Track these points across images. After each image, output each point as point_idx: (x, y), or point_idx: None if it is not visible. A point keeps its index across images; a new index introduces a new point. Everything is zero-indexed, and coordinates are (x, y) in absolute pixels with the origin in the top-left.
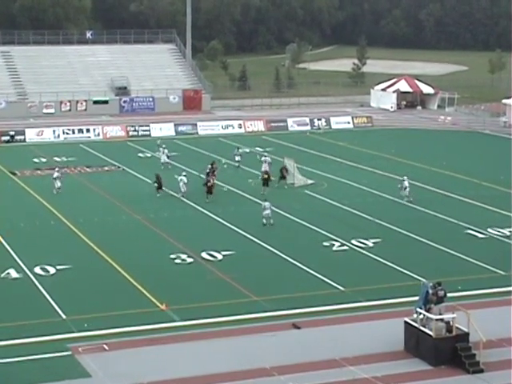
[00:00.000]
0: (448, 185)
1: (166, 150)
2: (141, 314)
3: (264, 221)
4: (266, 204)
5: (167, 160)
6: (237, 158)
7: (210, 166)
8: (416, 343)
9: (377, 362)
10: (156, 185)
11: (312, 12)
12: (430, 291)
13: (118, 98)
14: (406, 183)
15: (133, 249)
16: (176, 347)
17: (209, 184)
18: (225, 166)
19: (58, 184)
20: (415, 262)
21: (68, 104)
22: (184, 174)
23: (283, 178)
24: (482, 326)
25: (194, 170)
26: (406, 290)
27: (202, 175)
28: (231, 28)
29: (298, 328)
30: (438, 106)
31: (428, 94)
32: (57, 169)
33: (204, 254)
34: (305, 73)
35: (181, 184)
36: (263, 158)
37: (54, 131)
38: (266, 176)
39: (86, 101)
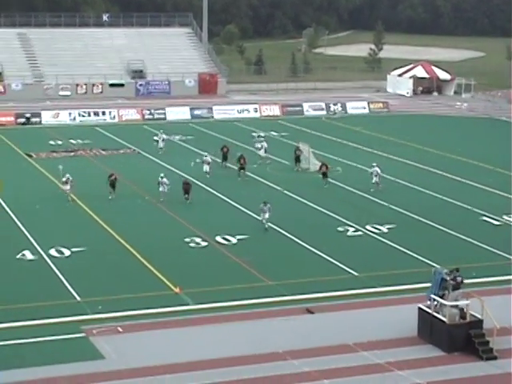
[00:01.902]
0: (464, 171)
1: (163, 136)
2: (155, 297)
3: (266, 226)
4: (265, 207)
5: (161, 145)
6: (257, 145)
7: (226, 150)
8: (429, 329)
9: (390, 347)
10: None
11: None
12: (448, 277)
13: (133, 81)
14: (378, 170)
15: (147, 232)
16: (190, 330)
17: (241, 161)
18: (197, 160)
19: (68, 187)
20: (430, 248)
21: (84, 87)
22: (162, 175)
23: (298, 159)
24: (495, 312)
25: (209, 153)
26: (421, 276)
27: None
28: (248, 12)
29: (312, 313)
30: (455, 92)
31: (445, 80)
32: (69, 178)
33: (218, 238)
34: (321, 58)
35: (161, 188)
36: (260, 144)
37: (69, 114)
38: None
39: (102, 84)
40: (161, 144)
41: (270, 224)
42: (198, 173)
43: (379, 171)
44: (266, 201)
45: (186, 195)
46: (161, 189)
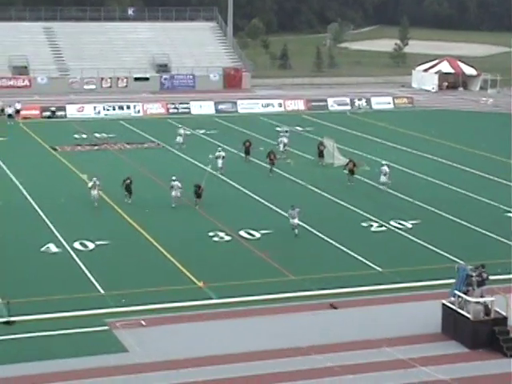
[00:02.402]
0: (488, 167)
1: (182, 131)
2: (178, 291)
3: (296, 231)
4: (293, 212)
5: (180, 140)
6: (284, 140)
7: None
8: (453, 326)
9: (413, 343)
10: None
11: None
12: (474, 274)
13: (158, 75)
14: (387, 169)
15: (171, 226)
16: (213, 325)
17: (271, 156)
18: (210, 156)
19: (95, 193)
20: (454, 243)
21: (109, 80)
22: (174, 177)
23: (321, 154)
24: None
25: (233, 148)
26: (444, 272)
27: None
28: (273, 6)
29: (336, 308)
30: (480, 88)
31: (470, 76)
32: (96, 182)
33: (242, 233)
34: (346, 52)
35: (173, 192)
36: (279, 139)
37: (94, 107)
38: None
39: (126, 78)
40: (180, 139)
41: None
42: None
43: (388, 170)
44: (293, 204)
45: (197, 199)
46: (173, 193)
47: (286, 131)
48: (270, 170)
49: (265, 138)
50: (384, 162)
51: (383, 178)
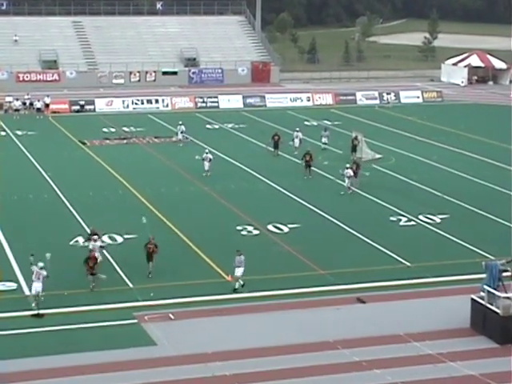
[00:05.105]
0: None
1: (182, 127)
2: (206, 285)
3: (236, 284)
4: (239, 258)
5: (180, 137)
6: (323, 140)
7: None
8: (482, 321)
9: (442, 338)
10: None
11: None
12: (508, 268)
13: (186, 69)
14: (351, 172)
15: (200, 220)
16: (241, 318)
17: (307, 158)
18: (197, 157)
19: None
20: (483, 238)
21: (137, 74)
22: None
23: (354, 149)
24: None
25: (261, 142)
26: (474, 267)
27: (269, 147)
28: (301, 0)
29: (363, 302)
30: (510, 82)
31: (500, 69)
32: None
33: (270, 227)
34: (375, 46)
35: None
36: (295, 134)
37: (123, 101)
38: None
39: (155, 72)
40: (180, 136)
41: (320, 213)
42: (250, 161)
43: (352, 173)
44: (239, 250)
45: (150, 262)
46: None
47: (326, 129)
48: (308, 172)
49: (293, 132)
50: (348, 165)
51: (348, 182)
